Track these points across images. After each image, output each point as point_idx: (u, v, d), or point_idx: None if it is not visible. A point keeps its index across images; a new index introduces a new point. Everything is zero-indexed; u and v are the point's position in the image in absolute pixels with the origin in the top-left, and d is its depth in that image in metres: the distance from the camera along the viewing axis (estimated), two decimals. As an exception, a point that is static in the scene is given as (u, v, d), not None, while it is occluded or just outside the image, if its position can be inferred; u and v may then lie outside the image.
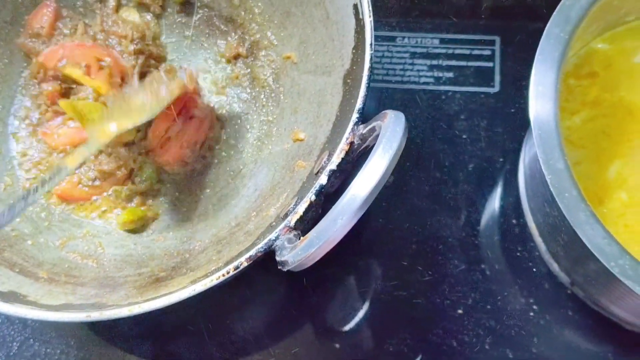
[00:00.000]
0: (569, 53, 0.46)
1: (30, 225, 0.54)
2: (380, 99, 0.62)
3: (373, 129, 0.45)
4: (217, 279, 0.43)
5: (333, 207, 0.41)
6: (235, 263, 0.43)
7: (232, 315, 0.56)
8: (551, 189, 0.42)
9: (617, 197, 0.49)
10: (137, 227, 0.56)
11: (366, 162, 0.41)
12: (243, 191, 0.56)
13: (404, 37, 0.65)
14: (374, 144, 0.45)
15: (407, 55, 0.64)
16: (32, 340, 0.56)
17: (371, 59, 0.47)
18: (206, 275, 0.43)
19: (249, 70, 0.61)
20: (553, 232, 0.51)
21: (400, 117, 0.43)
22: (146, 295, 0.45)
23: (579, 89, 0.52)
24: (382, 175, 0.41)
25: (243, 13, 0.61)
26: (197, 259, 0.51)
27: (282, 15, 0.59)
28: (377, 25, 0.55)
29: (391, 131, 0.42)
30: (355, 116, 0.46)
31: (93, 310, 0.43)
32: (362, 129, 0.46)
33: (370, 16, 0.48)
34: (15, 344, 0.56)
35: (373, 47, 0.47)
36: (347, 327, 0.56)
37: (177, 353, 0.55)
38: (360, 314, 0.56)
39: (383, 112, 0.45)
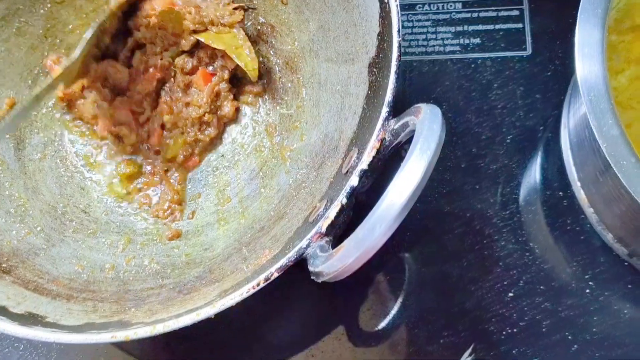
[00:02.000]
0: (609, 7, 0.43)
1: (41, 238, 0.51)
2: (406, 73, 0.58)
3: (406, 124, 0.42)
4: (247, 292, 0.40)
5: (370, 213, 0.38)
6: (266, 274, 0.40)
7: (265, 319, 0.53)
8: (607, 158, 0.39)
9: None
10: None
11: (402, 164, 0.38)
12: (265, 192, 0.53)
13: (424, 4, 0.61)
14: (407, 140, 0.42)
15: (429, 23, 0.60)
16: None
17: (399, 46, 0.44)
18: (235, 288, 0.41)
19: (263, 59, 0.57)
20: (608, 201, 0.48)
21: (437, 112, 0.40)
22: (171, 311, 0.42)
23: (622, 45, 0.48)
24: (420, 178, 0.38)
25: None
26: (221, 268, 0.48)
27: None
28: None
29: (428, 129, 0.39)
30: (385, 110, 0.43)
31: (117, 329, 0.41)
32: (394, 124, 0.43)
33: (396, 0, 0.44)
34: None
35: (401, 34, 0.44)
36: (393, 324, 0.53)
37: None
38: (406, 307, 0.53)
39: (416, 105, 0.42)
